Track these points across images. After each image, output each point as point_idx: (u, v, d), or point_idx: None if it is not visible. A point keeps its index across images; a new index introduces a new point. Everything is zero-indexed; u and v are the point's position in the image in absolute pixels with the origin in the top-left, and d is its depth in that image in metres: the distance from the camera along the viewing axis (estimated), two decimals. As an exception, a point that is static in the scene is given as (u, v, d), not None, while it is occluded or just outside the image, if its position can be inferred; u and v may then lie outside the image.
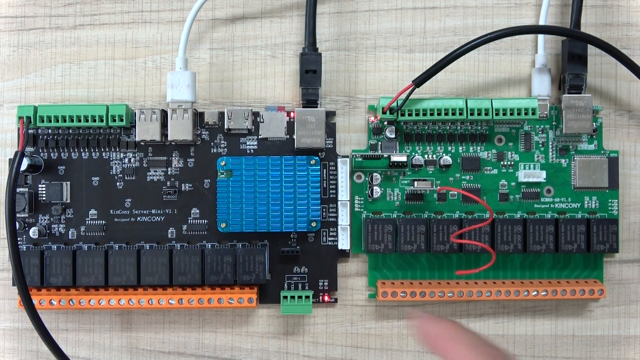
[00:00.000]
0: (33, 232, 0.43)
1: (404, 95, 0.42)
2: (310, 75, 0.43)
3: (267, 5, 0.45)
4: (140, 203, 0.44)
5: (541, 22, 0.44)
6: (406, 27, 0.45)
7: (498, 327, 0.45)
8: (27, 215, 0.44)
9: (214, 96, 0.45)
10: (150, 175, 0.44)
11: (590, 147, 0.45)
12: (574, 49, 0.44)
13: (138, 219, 0.44)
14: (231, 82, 0.45)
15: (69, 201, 0.44)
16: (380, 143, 0.45)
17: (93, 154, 0.44)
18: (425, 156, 0.44)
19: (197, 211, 0.44)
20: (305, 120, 0.43)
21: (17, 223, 0.42)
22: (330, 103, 0.45)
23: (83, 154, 0.44)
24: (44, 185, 0.44)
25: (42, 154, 0.44)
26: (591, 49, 0.44)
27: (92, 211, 0.44)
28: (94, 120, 0.42)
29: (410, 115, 0.43)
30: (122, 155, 0.44)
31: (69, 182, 0.44)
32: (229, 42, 0.45)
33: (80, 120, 0.42)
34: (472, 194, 0.43)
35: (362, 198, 0.44)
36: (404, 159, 0.43)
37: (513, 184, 0.45)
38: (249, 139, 0.44)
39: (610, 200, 0.45)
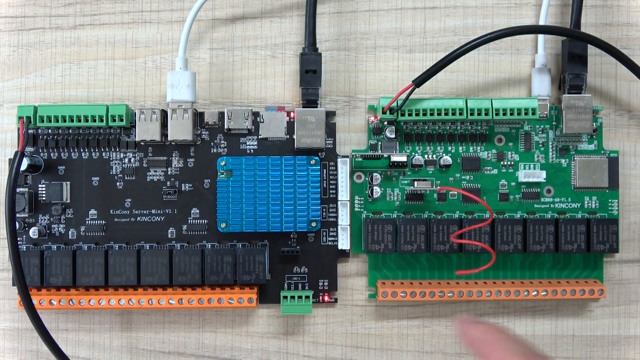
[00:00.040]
0: (33, 232, 0.43)
1: (404, 95, 0.42)
2: (310, 75, 0.43)
3: (267, 5, 0.45)
4: (140, 203, 0.44)
5: (541, 22, 0.44)
6: (406, 27, 0.45)
7: (498, 327, 0.45)
8: (27, 215, 0.44)
9: (214, 96, 0.45)
10: (150, 175, 0.44)
11: (590, 147, 0.45)
12: (574, 49, 0.44)
13: (138, 219, 0.44)
14: (231, 82, 0.45)
15: (69, 201, 0.44)
16: (380, 143, 0.45)
17: (93, 154, 0.44)
18: (425, 156, 0.44)
19: (197, 211, 0.44)
20: (305, 120, 0.43)
21: (17, 223, 0.42)
22: (330, 103, 0.45)
23: (83, 154, 0.44)
24: (44, 185, 0.44)
25: (42, 154, 0.44)
26: (591, 49, 0.44)
27: (92, 211, 0.44)
28: (94, 120, 0.42)
29: (410, 115, 0.43)
30: (122, 155, 0.44)
31: (69, 182, 0.44)
32: (229, 42, 0.45)
33: (80, 120, 0.42)
34: (472, 194, 0.43)
35: (362, 198, 0.44)
36: (404, 159, 0.43)
37: (513, 184, 0.45)
38: (249, 139, 0.44)
39: (610, 200, 0.45)
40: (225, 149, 0.44)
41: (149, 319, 0.45)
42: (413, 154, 0.44)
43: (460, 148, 0.45)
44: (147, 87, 0.45)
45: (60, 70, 0.45)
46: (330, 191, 0.44)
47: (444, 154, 0.44)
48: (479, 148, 0.45)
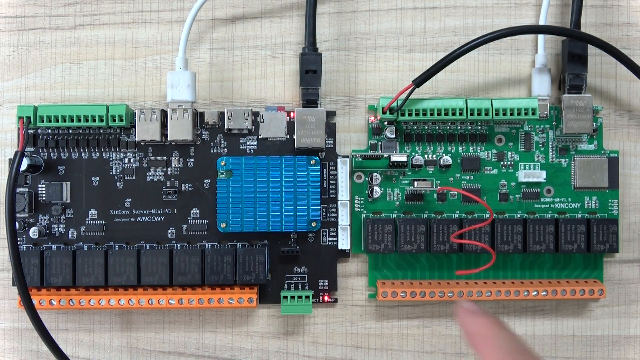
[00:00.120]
0: (33, 232, 0.43)
1: (404, 95, 0.42)
2: (310, 75, 0.43)
3: (267, 5, 0.45)
4: (140, 203, 0.44)
5: (541, 22, 0.44)
6: (406, 27, 0.45)
7: (498, 327, 0.45)
8: (27, 215, 0.44)
9: (214, 96, 0.45)
10: (150, 175, 0.44)
11: (590, 147, 0.45)
12: (574, 49, 0.44)
13: (138, 219, 0.44)
14: (231, 82, 0.45)
15: (69, 201, 0.44)
16: (380, 143, 0.45)
17: (93, 154, 0.44)
18: (425, 156, 0.44)
19: (197, 211, 0.44)
20: (305, 120, 0.43)
21: (17, 223, 0.42)
22: (330, 103, 0.45)
23: (83, 154, 0.44)
24: (44, 185, 0.44)
25: (42, 154, 0.44)
26: (591, 49, 0.44)
27: (92, 211, 0.44)
28: (94, 120, 0.42)
29: (410, 115, 0.43)
30: (122, 155, 0.44)
31: (69, 182, 0.44)
32: (229, 42, 0.45)
33: (80, 120, 0.42)
34: (472, 194, 0.43)
35: (362, 198, 0.44)
36: (404, 159, 0.43)
37: (513, 184, 0.45)
38: (249, 139, 0.44)
39: (610, 200, 0.45)
40: (225, 149, 0.44)
41: (149, 319, 0.45)
42: (413, 154, 0.44)
43: (460, 148, 0.45)
44: (147, 87, 0.45)
45: (60, 70, 0.45)
46: (330, 191, 0.44)
47: (444, 154, 0.44)
48: (479, 148, 0.45)
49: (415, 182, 0.44)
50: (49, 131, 0.44)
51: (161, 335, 0.45)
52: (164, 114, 0.43)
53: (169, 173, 0.44)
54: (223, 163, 0.43)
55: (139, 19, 0.45)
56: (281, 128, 0.44)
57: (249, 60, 0.45)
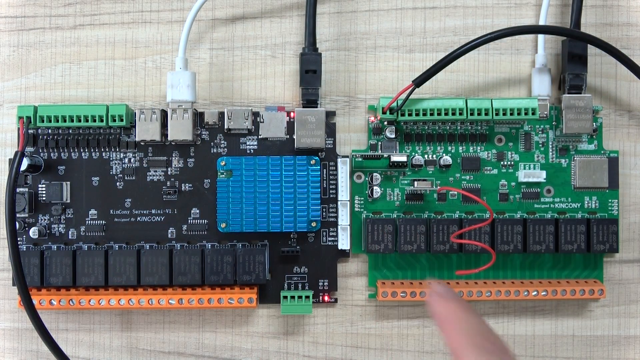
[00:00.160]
0: (33, 232, 0.43)
1: (404, 95, 0.42)
2: (310, 75, 0.43)
3: (267, 5, 0.45)
4: (140, 203, 0.44)
5: (541, 22, 0.44)
6: (406, 27, 0.45)
7: (498, 327, 0.45)
8: (27, 215, 0.44)
9: (214, 96, 0.45)
10: (150, 175, 0.44)
11: (590, 147, 0.45)
12: (574, 49, 0.44)
13: (138, 219, 0.44)
14: (231, 82, 0.45)
15: (69, 201, 0.44)
16: (380, 143, 0.45)
17: (93, 154, 0.44)
18: (425, 156, 0.44)
19: (197, 211, 0.44)
20: (305, 120, 0.43)
21: (17, 223, 0.42)
22: (330, 103, 0.45)
23: (83, 154, 0.44)
24: (44, 185, 0.44)
25: (42, 154, 0.44)
26: (591, 49, 0.44)
27: (92, 211, 0.44)
28: (94, 120, 0.42)
29: (410, 115, 0.43)
30: (122, 155, 0.44)
31: (69, 182, 0.44)
32: (229, 42, 0.45)
33: (80, 120, 0.42)
34: (472, 194, 0.43)
35: (362, 198, 0.44)
36: (404, 159, 0.43)
37: (513, 184, 0.45)
38: (249, 139, 0.44)
39: (610, 200, 0.45)
40: (225, 149, 0.44)
41: (149, 319, 0.45)
42: (413, 154, 0.44)
43: (460, 148, 0.45)
44: (147, 87, 0.45)
45: (60, 70, 0.45)
46: (330, 191, 0.44)
47: (444, 154, 0.44)
48: (479, 148, 0.45)
49: (415, 182, 0.44)
50: (49, 131, 0.44)
51: (161, 335, 0.45)
52: (164, 114, 0.43)
53: (169, 173, 0.44)
54: (223, 163, 0.43)
55: (139, 19, 0.45)
56: (281, 128, 0.44)
57: (249, 60, 0.45)
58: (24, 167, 0.42)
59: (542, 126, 0.45)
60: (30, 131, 0.43)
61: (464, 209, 0.45)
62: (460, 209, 0.45)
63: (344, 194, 0.44)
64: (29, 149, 0.44)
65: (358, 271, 0.45)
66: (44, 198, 0.44)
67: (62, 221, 0.44)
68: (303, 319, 0.45)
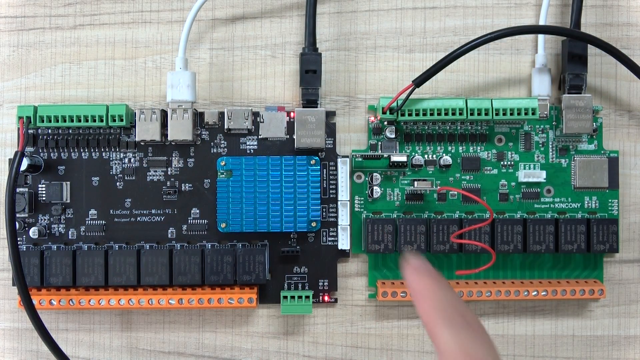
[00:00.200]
0: (33, 232, 0.43)
1: (404, 95, 0.42)
2: (310, 75, 0.43)
3: (267, 5, 0.45)
4: (140, 203, 0.44)
5: (541, 22, 0.44)
6: (406, 27, 0.45)
7: (498, 327, 0.45)
8: (27, 215, 0.44)
9: (214, 96, 0.45)
10: (150, 175, 0.44)
11: (590, 147, 0.45)
12: (574, 49, 0.44)
13: (138, 219, 0.44)
14: (231, 82, 0.45)
15: (69, 201, 0.44)
16: (380, 143, 0.45)
17: (93, 154, 0.44)
18: (425, 156, 0.44)
19: (197, 211, 0.44)
20: (305, 120, 0.43)
21: (17, 223, 0.42)
22: (330, 103, 0.45)
23: (83, 154, 0.44)
24: (44, 185, 0.44)
25: (42, 154, 0.44)
26: (591, 49, 0.44)
27: (92, 211, 0.44)
28: (94, 120, 0.42)
29: (410, 115, 0.43)
30: (122, 155, 0.44)
31: (69, 182, 0.44)
32: (229, 42, 0.45)
33: (80, 120, 0.42)
34: (472, 194, 0.43)
35: (362, 198, 0.44)
36: (404, 159, 0.43)
37: (513, 184, 0.45)
38: (249, 139, 0.44)
39: (610, 200, 0.45)
40: (225, 149, 0.44)
41: (149, 319, 0.45)
42: (413, 154, 0.44)
43: (460, 148, 0.45)
44: (147, 87, 0.45)
45: (60, 70, 0.45)
46: (330, 191, 0.44)
47: (444, 154, 0.44)
48: (479, 148, 0.45)
49: (415, 182, 0.44)
50: (49, 131, 0.44)
51: (161, 335, 0.45)
52: (164, 114, 0.43)
53: (169, 173, 0.44)
54: (223, 163, 0.43)
55: (139, 19, 0.45)
56: (281, 128, 0.44)
57: (249, 60, 0.45)
58: (24, 167, 0.42)
59: (542, 126, 0.45)
60: (30, 131, 0.43)
61: (464, 209, 0.45)
62: (460, 209, 0.45)
63: (344, 194, 0.44)
64: (29, 149, 0.44)
65: (358, 271, 0.45)
66: (44, 198, 0.44)
67: (62, 221, 0.44)
68: (303, 319, 0.45)
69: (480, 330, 0.25)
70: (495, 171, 0.45)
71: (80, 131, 0.44)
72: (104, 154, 0.44)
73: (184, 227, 0.44)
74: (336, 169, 0.44)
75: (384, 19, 0.45)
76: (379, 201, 0.44)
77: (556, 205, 0.45)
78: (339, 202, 0.44)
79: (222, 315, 0.45)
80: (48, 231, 0.44)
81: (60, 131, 0.44)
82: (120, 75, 0.45)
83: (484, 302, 0.45)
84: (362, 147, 0.45)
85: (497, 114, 0.43)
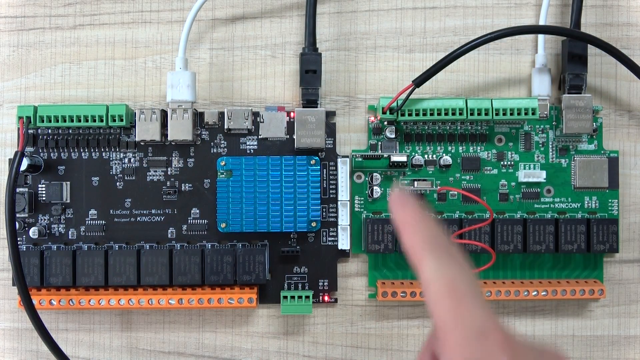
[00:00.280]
0: (33, 232, 0.43)
1: (404, 95, 0.42)
2: (310, 75, 0.43)
3: (267, 5, 0.45)
4: (140, 203, 0.44)
5: (541, 22, 0.44)
6: (406, 27, 0.45)
7: (498, 327, 0.45)
8: (27, 215, 0.44)
9: (214, 96, 0.45)
10: (150, 175, 0.44)
11: (590, 147, 0.45)
12: (574, 49, 0.44)
13: (138, 219, 0.44)
14: (231, 82, 0.45)
15: (69, 201, 0.44)
16: (380, 143, 0.45)
17: (93, 154, 0.44)
18: (425, 156, 0.44)
19: (197, 211, 0.44)
20: (305, 120, 0.43)
21: (17, 223, 0.42)
22: (330, 103, 0.45)
23: (83, 154, 0.44)
24: (44, 185, 0.44)
25: (42, 154, 0.44)
26: (591, 49, 0.44)
27: (92, 211, 0.44)
28: (94, 120, 0.42)
29: (410, 115, 0.43)
30: (122, 155, 0.44)
31: (69, 182, 0.44)
32: (229, 42, 0.45)
33: (80, 120, 0.42)
34: (472, 194, 0.43)
35: (362, 198, 0.44)
36: (404, 159, 0.43)
37: (513, 184, 0.45)
38: (249, 139, 0.44)
39: (610, 200, 0.45)
40: (225, 149, 0.44)
41: (149, 319, 0.45)
42: (413, 154, 0.44)
43: (460, 148, 0.45)
44: (147, 87, 0.45)
45: (60, 70, 0.45)
46: (330, 191, 0.44)
47: (444, 154, 0.44)
48: (479, 148, 0.45)
49: (415, 182, 0.44)
50: (49, 131, 0.44)
51: (161, 335, 0.45)
52: (164, 114, 0.43)
53: (169, 173, 0.44)
54: (223, 163, 0.43)
55: (139, 19, 0.45)
56: (281, 128, 0.44)
57: (249, 60, 0.45)
58: (24, 167, 0.42)
59: (542, 126, 0.45)
60: (30, 131, 0.43)
61: (464, 209, 0.45)
62: (460, 209, 0.45)
63: (344, 194, 0.44)
64: (29, 149, 0.44)
65: (358, 271, 0.45)
66: (44, 198, 0.44)
67: (62, 221, 0.44)
68: (303, 319, 0.45)
69: (463, 262, 0.26)
70: (495, 171, 0.45)
71: (80, 131, 0.44)
72: (104, 154, 0.44)
73: (184, 227, 0.44)
74: (336, 169, 0.44)
75: (384, 19, 0.45)
76: (379, 201, 0.44)
77: (556, 205, 0.45)
78: (339, 202, 0.44)
79: (222, 315, 0.45)
80: (48, 231, 0.44)
81: (60, 131, 0.44)
82: (120, 75, 0.45)
83: (484, 302, 0.45)
84: (362, 147, 0.45)
85: (497, 114, 0.43)
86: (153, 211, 0.44)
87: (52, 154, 0.44)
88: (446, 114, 0.43)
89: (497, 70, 0.46)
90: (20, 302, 0.40)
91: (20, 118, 0.42)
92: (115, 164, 0.44)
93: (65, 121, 0.42)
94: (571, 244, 0.43)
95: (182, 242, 0.44)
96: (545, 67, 0.45)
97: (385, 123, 0.44)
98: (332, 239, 0.44)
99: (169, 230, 0.44)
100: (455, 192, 0.44)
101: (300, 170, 0.43)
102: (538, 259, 0.45)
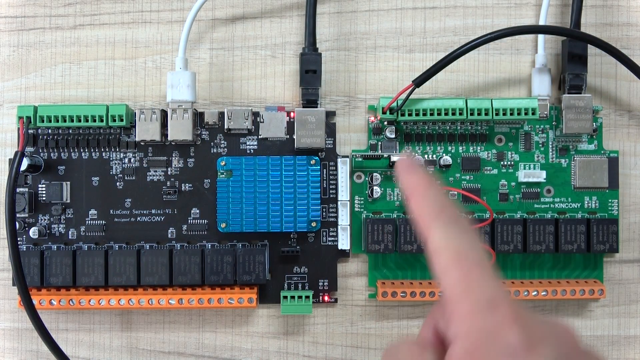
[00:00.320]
0: (33, 232, 0.43)
1: (404, 95, 0.42)
2: (310, 75, 0.43)
3: (267, 5, 0.45)
4: (140, 203, 0.44)
5: (541, 22, 0.44)
6: (406, 27, 0.45)
7: (498, 327, 0.45)
8: (27, 215, 0.44)
9: (214, 96, 0.45)
10: (150, 175, 0.44)
11: (590, 147, 0.45)
12: (574, 49, 0.44)
13: (138, 219, 0.44)
14: (231, 82, 0.45)
15: (69, 201, 0.44)
16: (380, 143, 0.45)
17: (93, 154, 0.44)
18: (425, 156, 0.44)
19: (197, 211, 0.44)
20: (305, 120, 0.43)
21: (17, 223, 0.42)
22: (330, 103, 0.45)
23: (83, 154, 0.44)
24: (44, 185, 0.44)
25: (42, 154, 0.44)
26: (591, 49, 0.44)
27: (92, 211, 0.44)
28: (94, 120, 0.42)
29: (410, 115, 0.43)
30: (122, 155, 0.44)
31: (69, 182, 0.44)
32: (229, 42, 0.45)
33: (80, 120, 0.42)
34: (472, 194, 0.43)
35: (362, 198, 0.44)
36: (404, 159, 0.43)
37: (513, 184, 0.45)
38: (249, 139, 0.44)
39: (610, 200, 0.45)
40: (225, 149, 0.44)
41: (149, 319, 0.45)
42: (413, 154, 0.44)
43: (460, 148, 0.45)
44: (147, 87, 0.45)
45: (60, 70, 0.45)
46: (330, 191, 0.44)
47: (444, 154, 0.44)
48: (479, 148, 0.45)
49: (415, 182, 0.44)
50: (49, 131, 0.44)
51: (161, 335, 0.45)
52: (164, 114, 0.43)
53: (169, 173, 0.44)
54: (223, 163, 0.43)
55: (139, 19, 0.45)
56: (281, 128, 0.44)
57: (249, 60, 0.45)
58: (24, 167, 0.42)
59: (542, 126, 0.45)
60: (30, 131, 0.43)
61: (464, 209, 0.45)
62: (460, 209, 0.45)
63: (344, 194, 0.44)
64: (29, 149, 0.44)
65: (358, 271, 0.45)
66: (44, 198, 0.44)
67: (62, 221, 0.44)
68: (303, 319, 0.45)
69: (472, 231, 0.26)
70: (495, 171, 0.45)
71: (80, 131, 0.44)
72: (104, 154, 0.44)
73: (184, 227, 0.44)
74: (336, 169, 0.44)
75: (384, 19, 0.45)
76: (379, 201, 0.44)
77: (556, 205, 0.45)
78: (339, 202, 0.44)
79: (222, 315, 0.45)
80: (48, 231, 0.44)
81: (60, 131, 0.44)
82: (120, 75, 0.45)
83: (484, 302, 0.45)
84: (362, 147, 0.45)
85: (497, 114, 0.43)
86: (153, 211, 0.44)
87: (52, 154, 0.44)
88: (446, 114, 0.43)
89: (497, 70, 0.46)
90: (20, 302, 0.40)
91: (20, 118, 0.42)
92: (115, 164, 0.44)
93: (65, 121, 0.42)
94: (571, 244, 0.43)
95: (182, 242, 0.44)
96: (545, 67, 0.45)
97: (385, 123, 0.44)
98: (332, 239, 0.44)
99: (169, 230, 0.44)
100: (455, 192, 0.44)
101: (300, 170, 0.43)
102: (538, 259, 0.45)
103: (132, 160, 0.44)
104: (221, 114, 0.44)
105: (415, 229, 0.26)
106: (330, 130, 0.44)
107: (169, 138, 0.43)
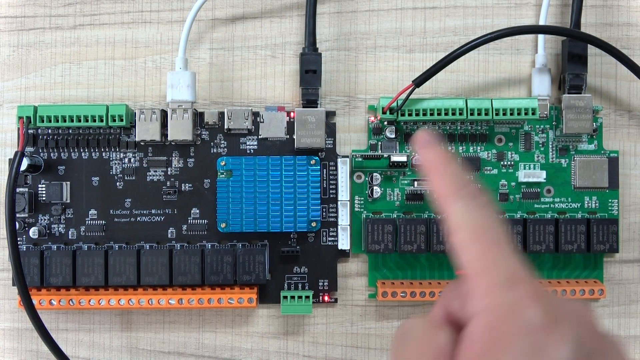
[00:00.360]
0: (33, 232, 0.43)
1: (404, 95, 0.42)
2: (310, 75, 0.43)
3: (267, 5, 0.45)
4: (140, 203, 0.44)
5: (541, 22, 0.44)
6: (406, 27, 0.45)
7: (498, 327, 0.45)
8: (27, 215, 0.44)
9: (214, 96, 0.45)
10: (150, 175, 0.44)
11: (590, 147, 0.45)
12: (574, 49, 0.44)
13: (138, 219, 0.44)
14: (231, 82, 0.45)
15: (69, 201, 0.44)
16: (380, 143, 0.45)
17: (93, 154, 0.44)
18: (425, 156, 0.44)
19: (197, 211, 0.44)
20: (305, 120, 0.43)
21: (17, 223, 0.42)
22: (330, 103, 0.45)
23: (83, 154, 0.44)
24: (44, 185, 0.44)
25: (42, 154, 0.44)
26: (591, 49, 0.44)
27: (92, 211, 0.44)
28: (94, 120, 0.42)
29: (410, 115, 0.43)
30: (122, 155, 0.44)
31: (69, 182, 0.44)
32: (229, 42, 0.45)
33: (80, 120, 0.42)
34: (472, 194, 0.43)
35: (362, 198, 0.44)
36: (404, 159, 0.43)
37: (513, 184, 0.45)
38: (249, 139, 0.44)
39: (610, 200, 0.45)
40: (225, 149, 0.44)
41: (149, 319, 0.45)
42: (413, 154, 0.44)
43: (460, 148, 0.45)
44: (147, 87, 0.45)
45: (60, 70, 0.45)
46: (330, 191, 0.44)
47: (444, 154, 0.44)
48: (479, 148, 0.45)
49: (415, 182, 0.44)
50: (49, 131, 0.44)
51: (161, 335, 0.45)
52: (164, 114, 0.43)
53: (169, 173, 0.44)
54: (223, 163, 0.43)
55: (139, 19, 0.45)
56: (281, 128, 0.44)
57: (249, 60, 0.45)
58: (24, 167, 0.42)
59: (542, 126, 0.45)
60: (30, 131, 0.43)
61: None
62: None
63: (344, 194, 0.44)
64: (29, 149, 0.44)
65: (358, 271, 0.45)
66: (44, 198, 0.44)
67: (62, 221, 0.44)
68: (303, 319, 0.45)
69: (490, 205, 0.25)
70: (495, 171, 0.45)
71: (80, 131, 0.44)
72: (104, 154, 0.44)
73: (184, 227, 0.44)
74: (336, 169, 0.44)
75: (384, 19, 0.45)
76: (379, 201, 0.44)
77: (556, 205, 0.45)
78: (339, 202, 0.44)
79: (222, 315, 0.45)
80: (48, 231, 0.44)
81: (60, 131, 0.44)
82: (120, 75, 0.45)
83: (484, 302, 0.45)
84: (362, 147, 0.45)
85: (497, 114, 0.43)
86: (153, 211, 0.44)
87: (52, 154, 0.44)
88: (446, 114, 0.43)
89: (497, 70, 0.46)
90: (20, 302, 0.40)
91: (20, 118, 0.42)
92: (115, 164, 0.44)
93: (65, 121, 0.42)
94: (571, 244, 0.43)
95: (182, 242, 0.44)
96: (545, 67, 0.45)
97: (385, 123, 0.44)
98: (332, 239, 0.44)
99: (169, 230, 0.44)
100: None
101: (300, 170, 0.43)
102: (538, 259, 0.45)
103: (132, 160, 0.44)
104: (221, 114, 0.44)
105: (435, 202, 0.26)
106: (330, 130, 0.44)
107: (169, 138, 0.43)
